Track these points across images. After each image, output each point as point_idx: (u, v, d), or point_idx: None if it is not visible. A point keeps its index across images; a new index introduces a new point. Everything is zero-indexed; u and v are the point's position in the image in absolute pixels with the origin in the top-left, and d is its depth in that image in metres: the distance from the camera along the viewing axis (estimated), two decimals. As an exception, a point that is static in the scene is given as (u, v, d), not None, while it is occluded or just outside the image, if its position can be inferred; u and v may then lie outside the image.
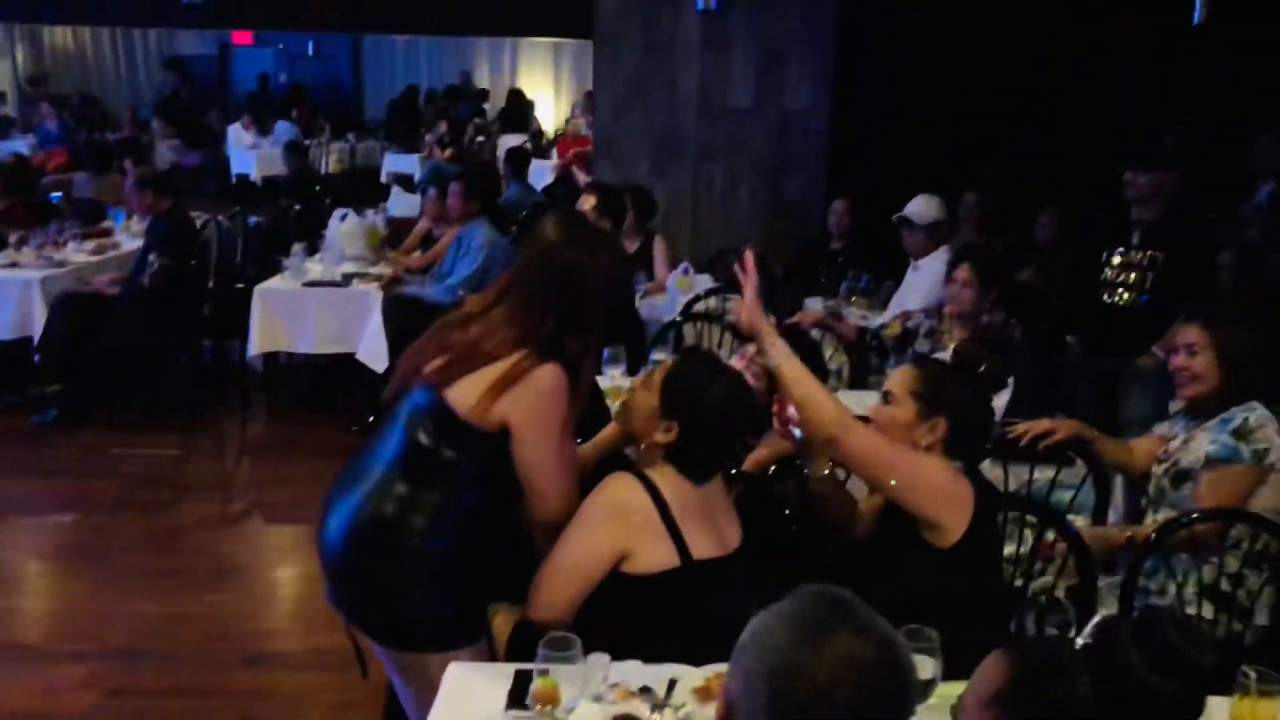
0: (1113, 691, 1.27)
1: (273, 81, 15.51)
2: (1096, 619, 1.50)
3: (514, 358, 2.05)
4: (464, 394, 2.06)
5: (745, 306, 2.26)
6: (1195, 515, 2.61)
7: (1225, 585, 2.61)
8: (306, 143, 12.49)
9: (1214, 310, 2.83)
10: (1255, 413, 2.71)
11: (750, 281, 2.29)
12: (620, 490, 2.11)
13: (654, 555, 2.07)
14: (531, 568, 2.21)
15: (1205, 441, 2.73)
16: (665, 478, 2.12)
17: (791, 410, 2.33)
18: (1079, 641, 1.36)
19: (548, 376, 2.06)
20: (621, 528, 2.07)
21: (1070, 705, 1.28)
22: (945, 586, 2.11)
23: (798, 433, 2.36)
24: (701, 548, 2.10)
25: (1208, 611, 2.62)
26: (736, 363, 2.68)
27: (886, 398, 2.32)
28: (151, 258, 5.54)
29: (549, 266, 2.14)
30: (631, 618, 2.06)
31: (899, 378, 2.34)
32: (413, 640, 2.12)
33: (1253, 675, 1.82)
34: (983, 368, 3.27)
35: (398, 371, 2.20)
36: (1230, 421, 2.71)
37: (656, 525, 2.08)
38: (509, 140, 12.79)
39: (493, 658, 2.20)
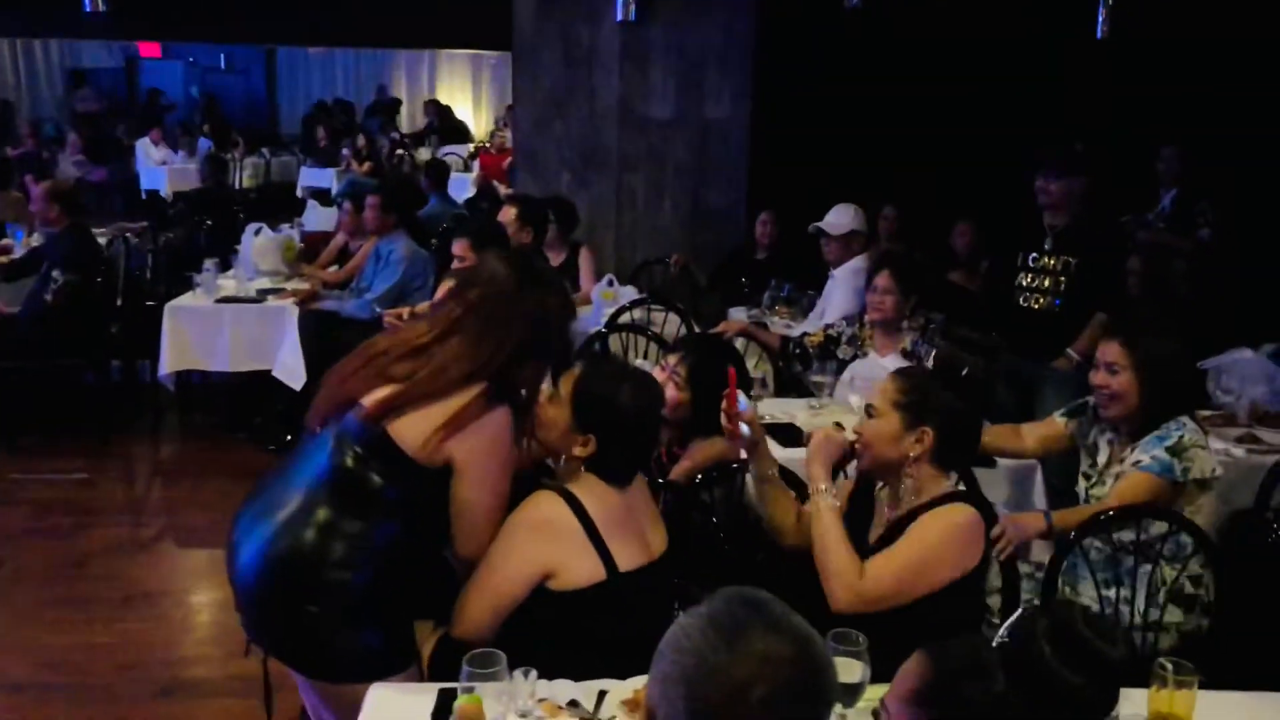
0: (1028, 687, 1.29)
1: (183, 95, 15.12)
2: (1014, 616, 1.49)
3: (466, 396, 2.00)
4: (411, 430, 2.00)
5: (813, 456, 2.31)
6: (1112, 511, 2.66)
7: (1189, 587, 2.67)
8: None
9: (1132, 328, 2.85)
10: (1188, 430, 2.74)
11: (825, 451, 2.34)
12: (543, 508, 2.08)
13: (580, 571, 2.05)
14: (455, 586, 2.17)
15: (1138, 454, 2.74)
16: (587, 490, 2.10)
17: (742, 405, 2.35)
18: (996, 638, 1.37)
19: (498, 421, 2.03)
20: (545, 546, 2.05)
21: (986, 702, 1.29)
22: (956, 609, 2.14)
23: (746, 429, 2.37)
24: (627, 558, 2.08)
25: (1174, 614, 2.66)
26: (657, 374, 2.66)
27: (870, 411, 2.29)
28: (55, 274, 5.34)
29: (507, 306, 2.08)
30: (558, 633, 2.03)
31: (881, 391, 2.29)
32: (339, 672, 2.05)
33: (1169, 667, 1.86)
34: (965, 371, 3.29)
35: (322, 394, 2.12)
36: (1166, 438, 2.72)
37: (581, 540, 2.05)
38: (455, 152, 12.70)
39: (422, 679, 2.14)
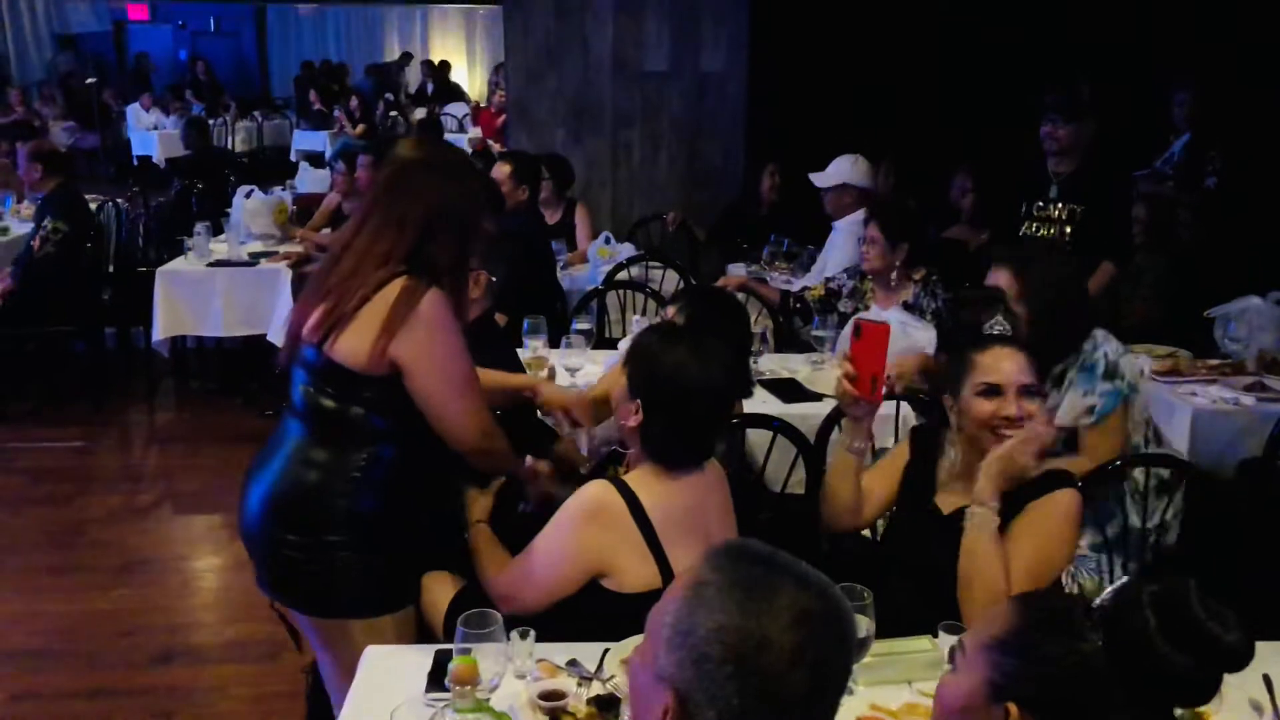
0: (1124, 658, 1.20)
1: (173, 59, 14.92)
2: (1119, 581, 1.38)
3: (390, 294, 1.94)
4: (349, 347, 1.96)
5: (998, 469, 2.02)
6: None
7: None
8: (211, 122, 12.06)
9: (1022, 254, 2.73)
10: (1108, 345, 2.66)
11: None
12: (595, 495, 1.94)
13: (635, 574, 1.90)
14: (461, 530, 2.14)
15: (1077, 398, 2.64)
16: (645, 486, 1.94)
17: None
18: (1097, 601, 1.28)
19: (430, 307, 1.96)
20: (599, 535, 1.91)
21: (1070, 663, 1.21)
22: None
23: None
24: (687, 564, 1.95)
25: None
26: None
27: (997, 391, 2.08)
28: (46, 222, 5.25)
29: (410, 178, 2.04)
30: (610, 629, 1.88)
31: (1009, 370, 2.10)
32: (338, 606, 2.04)
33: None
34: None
35: (286, 333, 2.10)
36: (1095, 367, 2.65)
37: (635, 540, 1.90)
38: (455, 111, 12.56)
39: (421, 628, 2.13)
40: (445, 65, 14.88)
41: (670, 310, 2.69)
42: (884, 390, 2.16)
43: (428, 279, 1.98)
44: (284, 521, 2.02)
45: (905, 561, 2.17)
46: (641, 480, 1.96)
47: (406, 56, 15.65)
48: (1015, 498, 2.04)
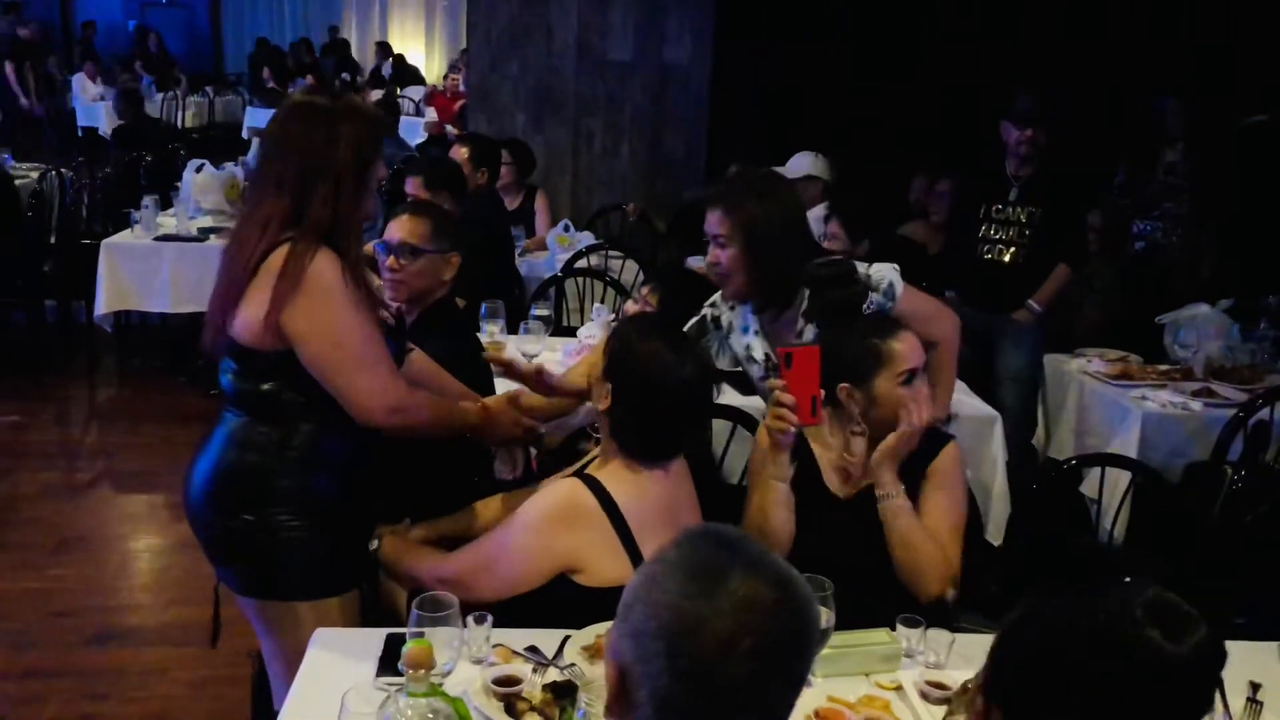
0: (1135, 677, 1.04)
1: (121, 27, 14.56)
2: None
3: (275, 258, 1.84)
4: (245, 323, 1.88)
5: (886, 458, 2.06)
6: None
7: None
8: (160, 96, 11.78)
9: (733, 192, 2.45)
10: (877, 269, 2.49)
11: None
12: (565, 495, 1.89)
13: (606, 570, 1.85)
14: (420, 513, 2.08)
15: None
16: (616, 478, 1.90)
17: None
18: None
19: (318, 269, 1.84)
20: (567, 538, 1.86)
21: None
22: None
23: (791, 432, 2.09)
24: None
25: None
26: (629, 307, 2.59)
27: (914, 376, 2.12)
28: None
29: (277, 134, 1.95)
30: (576, 622, 1.84)
31: (918, 354, 2.14)
32: (282, 588, 1.97)
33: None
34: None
35: (205, 317, 2.00)
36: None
37: (607, 534, 1.86)
38: (412, 95, 12.37)
39: (365, 612, 2.06)
40: (399, 56, 14.61)
41: (644, 290, 2.68)
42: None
43: (316, 241, 1.86)
44: (226, 502, 1.96)
45: (823, 557, 2.02)
46: (613, 475, 1.92)
47: (344, 43, 15.30)
48: (911, 469, 2.12)
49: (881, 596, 1.99)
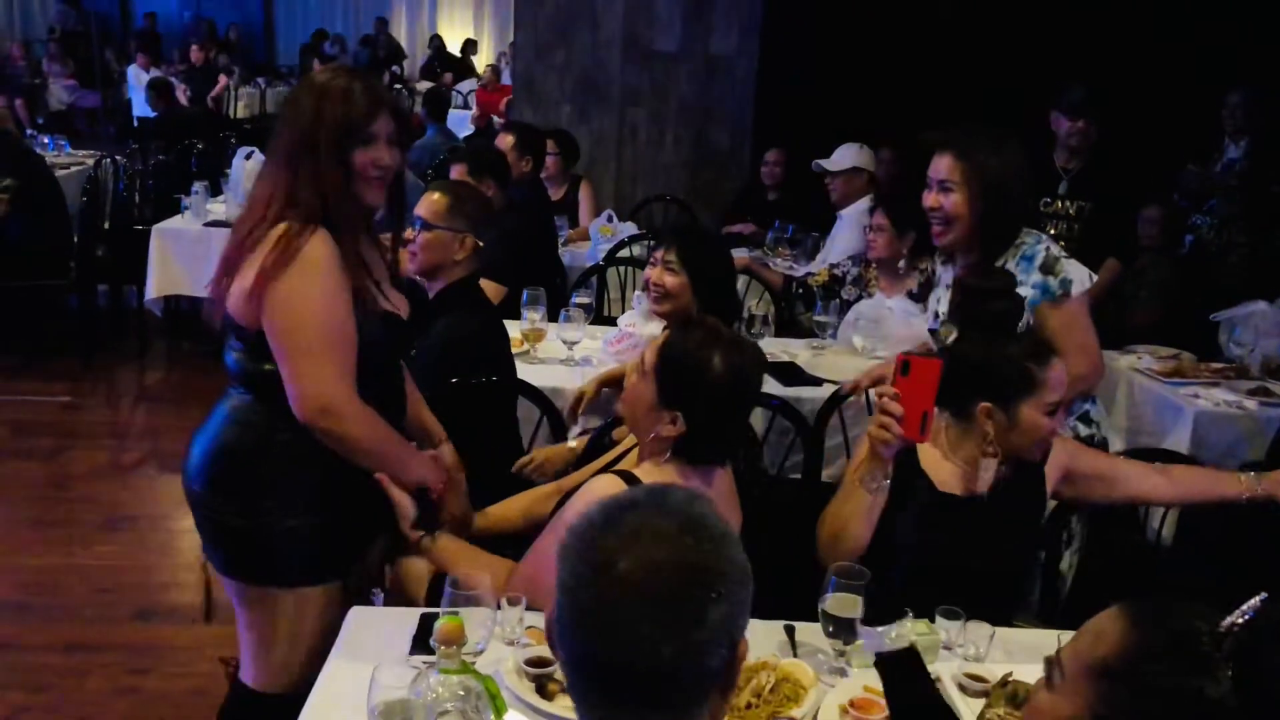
0: (1262, 698, 1.02)
1: (177, 19, 14.78)
2: (1256, 600, 1.10)
3: (269, 237, 1.82)
4: (236, 299, 1.86)
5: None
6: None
7: None
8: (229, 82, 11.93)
9: (968, 138, 2.44)
10: (1048, 242, 2.48)
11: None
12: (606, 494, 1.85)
13: None
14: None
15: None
16: (658, 476, 1.82)
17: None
18: (1225, 624, 1.07)
19: (310, 249, 1.81)
20: None
21: (1199, 703, 1.04)
22: None
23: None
24: None
25: None
26: (649, 272, 2.72)
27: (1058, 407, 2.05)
28: None
29: (280, 115, 1.95)
30: None
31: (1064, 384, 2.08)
32: (264, 572, 1.95)
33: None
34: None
35: (210, 292, 1.99)
36: (1033, 256, 2.45)
37: None
38: (463, 88, 12.46)
39: (345, 605, 1.97)
40: (470, 43, 14.71)
41: (660, 251, 2.70)
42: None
43: (315, 223, 1.84)
44: (219, 482, 1.94)
45: (926, 552, 2.03)
46: (657, 475, 1.85)
47: (381, 24, 15.42)
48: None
49: (994, 597, 1.95)
